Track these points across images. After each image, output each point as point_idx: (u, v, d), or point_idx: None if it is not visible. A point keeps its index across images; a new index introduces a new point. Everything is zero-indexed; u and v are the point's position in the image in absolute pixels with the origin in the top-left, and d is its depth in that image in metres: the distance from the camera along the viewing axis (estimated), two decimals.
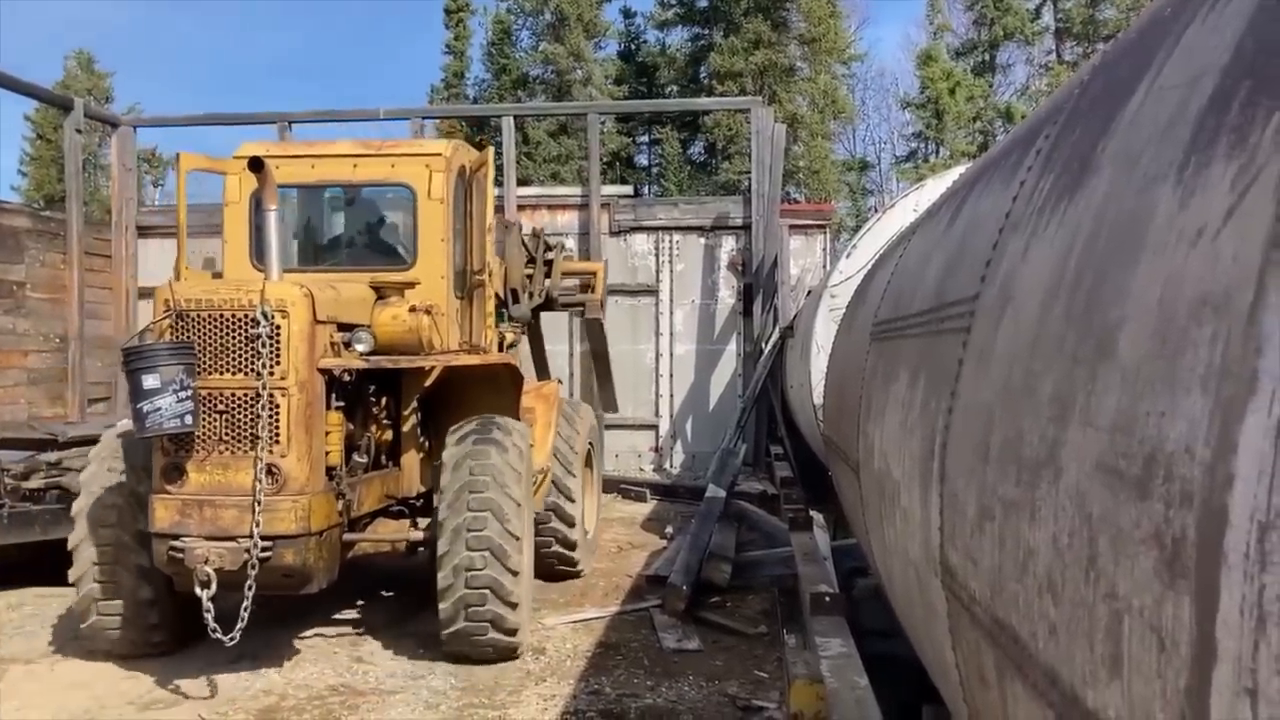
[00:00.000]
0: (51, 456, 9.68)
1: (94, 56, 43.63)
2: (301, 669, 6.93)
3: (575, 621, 8.04)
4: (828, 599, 5.57)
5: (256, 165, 6.67)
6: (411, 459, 7.89)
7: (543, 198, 17.93)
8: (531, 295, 10.07)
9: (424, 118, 18.75)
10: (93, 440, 7.80)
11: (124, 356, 6.14)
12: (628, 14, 41.06)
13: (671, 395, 17.08)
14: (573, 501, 9.05)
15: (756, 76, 33.99)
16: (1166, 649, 0.99)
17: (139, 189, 20.16)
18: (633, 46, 40.91)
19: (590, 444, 10.13)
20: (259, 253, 7.71)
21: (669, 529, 11.75)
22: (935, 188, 9.71)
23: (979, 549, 1.85)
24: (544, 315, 11.10)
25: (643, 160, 40.87)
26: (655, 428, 16.68)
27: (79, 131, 16.82)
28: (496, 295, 9.13)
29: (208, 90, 73.33)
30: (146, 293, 18.80)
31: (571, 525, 9.06)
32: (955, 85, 36.55)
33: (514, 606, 6.72)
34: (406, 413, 7.79)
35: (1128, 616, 1.08)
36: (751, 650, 7.31)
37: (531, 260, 10.15)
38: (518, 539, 6.75)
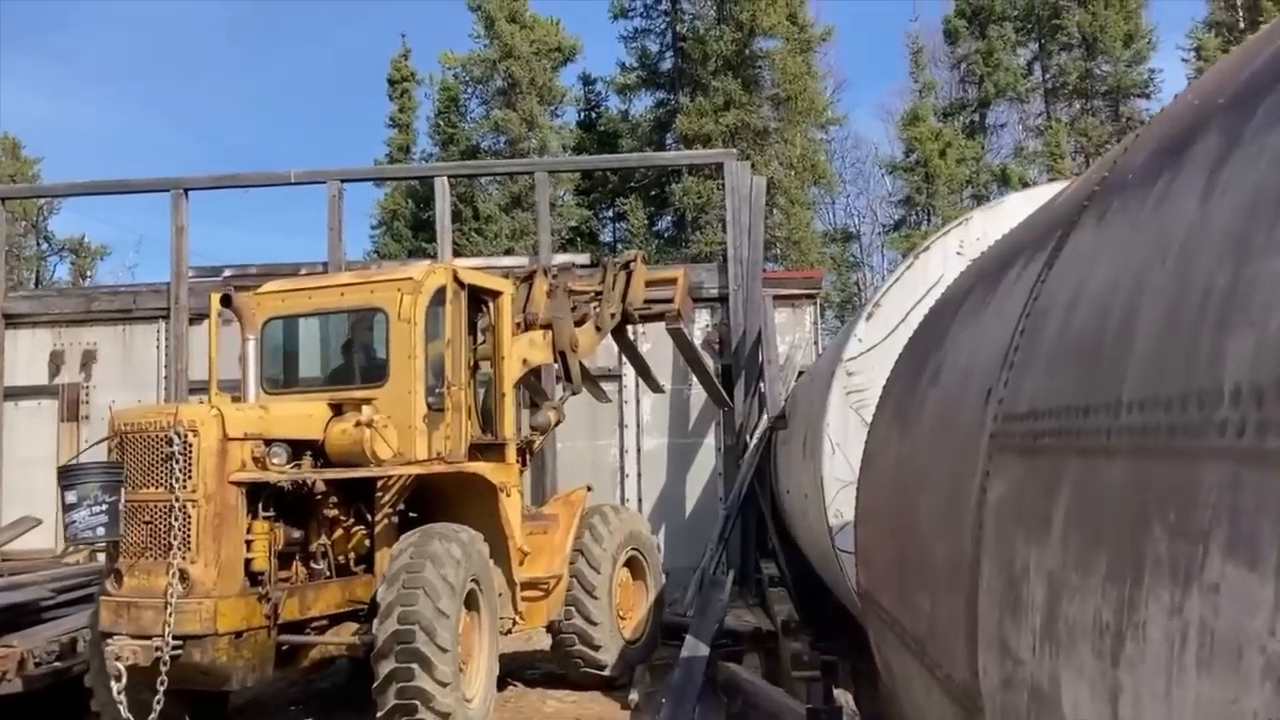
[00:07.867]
0: None
1: (20, 142, 40.42)
2: None
3: None
4: None
5: (226, 301, 8.03)
6: (385, 562, 7.80)
7: (489, 269, 15.24)
8: (599, 327, 10.35)
9: (342, 180, 16.16)
10: None
11: (58, 475, 6.98)
12: (587, 80, 38.22)
13: (640, 499, 14.49)
14: (596, 599, 9.10)
15: (728, 139, 31.28)
16: None
17: (3, 269, 17.47)
18: (593, 115, 38.31)
19: (638, 550, 10.10)
20: (263, 377, 8.39)
21: (633, 695, 8.76)
22: (984, 221, 7.17)
23: None
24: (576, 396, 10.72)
25: (607, 236, 38.10)
26: None
27: None
28: (541, 368, 9.96)
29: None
30: (15, 393, 15.99)
31: (594, 624, 9.06)
32: (946, 146, 33.95)
33: (447, 716, 6.96)
34: (377, 521, 8.06)
35: None
36: None
37: (597, 296, 10.43)
38: (445, 651, 6.97)
